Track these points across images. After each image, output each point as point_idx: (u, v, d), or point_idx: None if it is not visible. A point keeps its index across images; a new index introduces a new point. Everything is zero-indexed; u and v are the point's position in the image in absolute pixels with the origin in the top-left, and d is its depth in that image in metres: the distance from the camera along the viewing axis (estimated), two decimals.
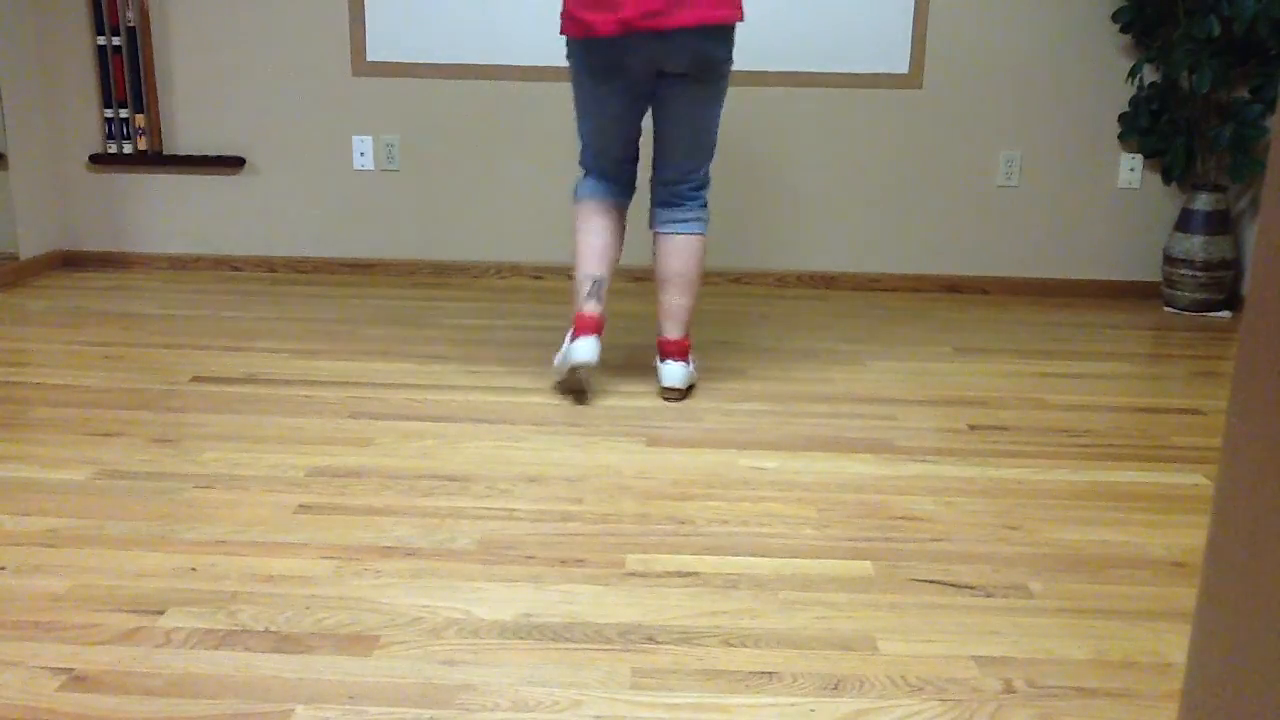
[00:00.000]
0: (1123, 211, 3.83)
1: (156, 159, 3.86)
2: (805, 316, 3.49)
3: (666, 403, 2.61)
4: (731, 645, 1.56)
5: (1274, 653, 0.67)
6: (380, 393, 2.63)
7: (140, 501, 2.00)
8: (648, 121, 2.68)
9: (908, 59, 3.71)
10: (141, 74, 3.79)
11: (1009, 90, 3.74)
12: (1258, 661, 0.69)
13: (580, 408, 2.55)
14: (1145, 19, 3.56)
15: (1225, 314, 3.62)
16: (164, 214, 3.94)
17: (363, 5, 3.72)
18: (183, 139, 3.87)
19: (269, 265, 3.95)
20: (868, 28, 3.68)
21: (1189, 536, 1.96)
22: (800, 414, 2.55)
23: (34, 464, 2.16)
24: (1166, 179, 3.76)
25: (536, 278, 3.92)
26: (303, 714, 1.38)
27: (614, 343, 3.11)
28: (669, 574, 1.77)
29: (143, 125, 3.83)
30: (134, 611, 1.61)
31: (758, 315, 3.49)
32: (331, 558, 1.80)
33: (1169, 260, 3.66)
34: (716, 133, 2.60)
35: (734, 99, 3.76)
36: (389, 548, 1.84)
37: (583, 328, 2.55)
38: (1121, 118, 3.71)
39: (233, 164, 3.87)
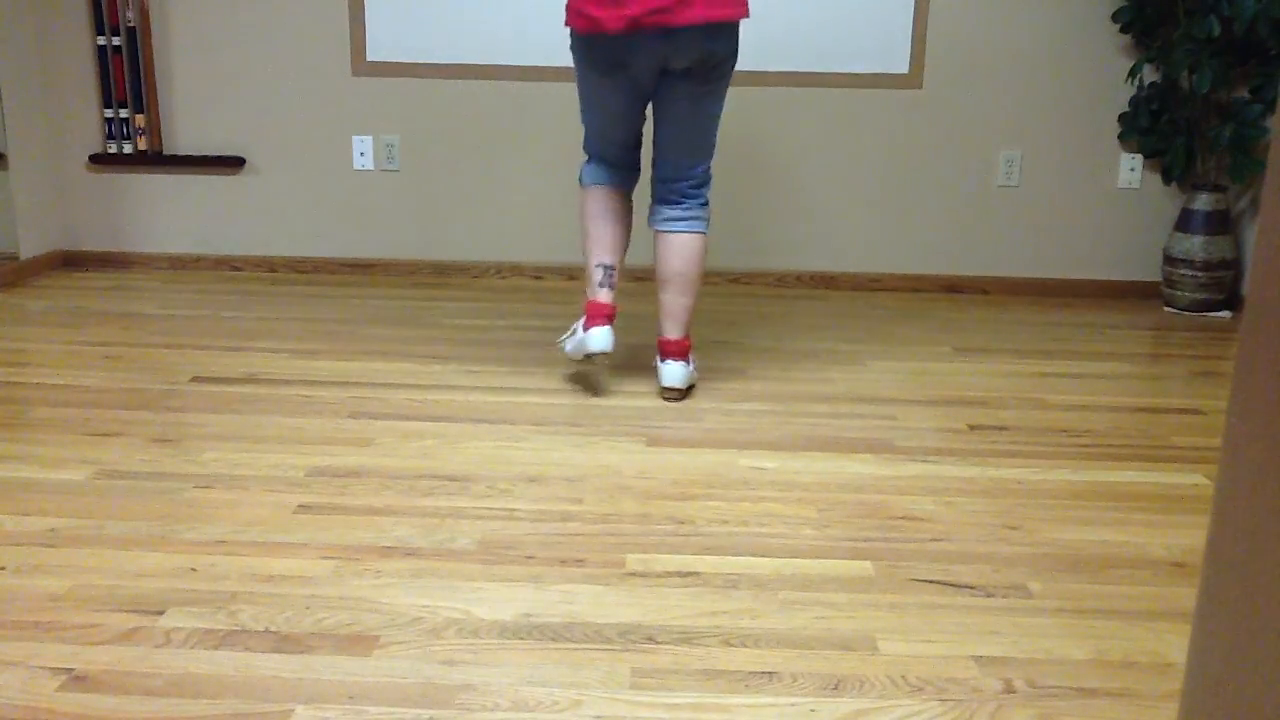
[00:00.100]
0: (1123, 211, 3.83)
1: (156, 159, 3.86)
2: (805, 316, 3.49)
3: (666, 403, 2.61)
4: (731, 645, 1.56)
5: (1274, 653, 0.67)
6: (380, 393, 2.63)
7: (140, 501, 2.00)
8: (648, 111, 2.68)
9: (908, 59, 3.71)
10: (141, 74, 3.79)
11: (1009, 90, 3.74)
12: (1258, 661, 0.69)
13: (580, 408, 2.55)
14: (1145, 19, 3.56)
15: (1225, 314, 3.62)
16: (164, 214, 3.94)
17: (363, 5, 3.72)
18: (183, 139, 3.87)
19: (269, 265, 3.95)
20: (868, 28, 3.68)
21: (1189, 536, 1.96)
22: (800, 414, 2.55)
23: (34, 464, 2.16)
24: (1166, 179, 3.76)
25: (536, 278, 3.92)
26: (303, 714, 1.38)
27: (615, 342, 3.11)
28: (669, 574, 1.77)
29: (143, 125, 3.83)
30: (134, 611, 1.61)
31: (758, 315, 3.49)
32: (331, 558, 1.80)
33: (1169, 260, 3.66)
34: (717, 130, 2.60)
35: (734, 99, 3.76)
36: (389, 548, 1.84)
37: (596, 316, 2.59)
38: (1121, 118, 3.71)
39: (233, 164, 3.87)
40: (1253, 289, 0.71)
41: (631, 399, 2.62)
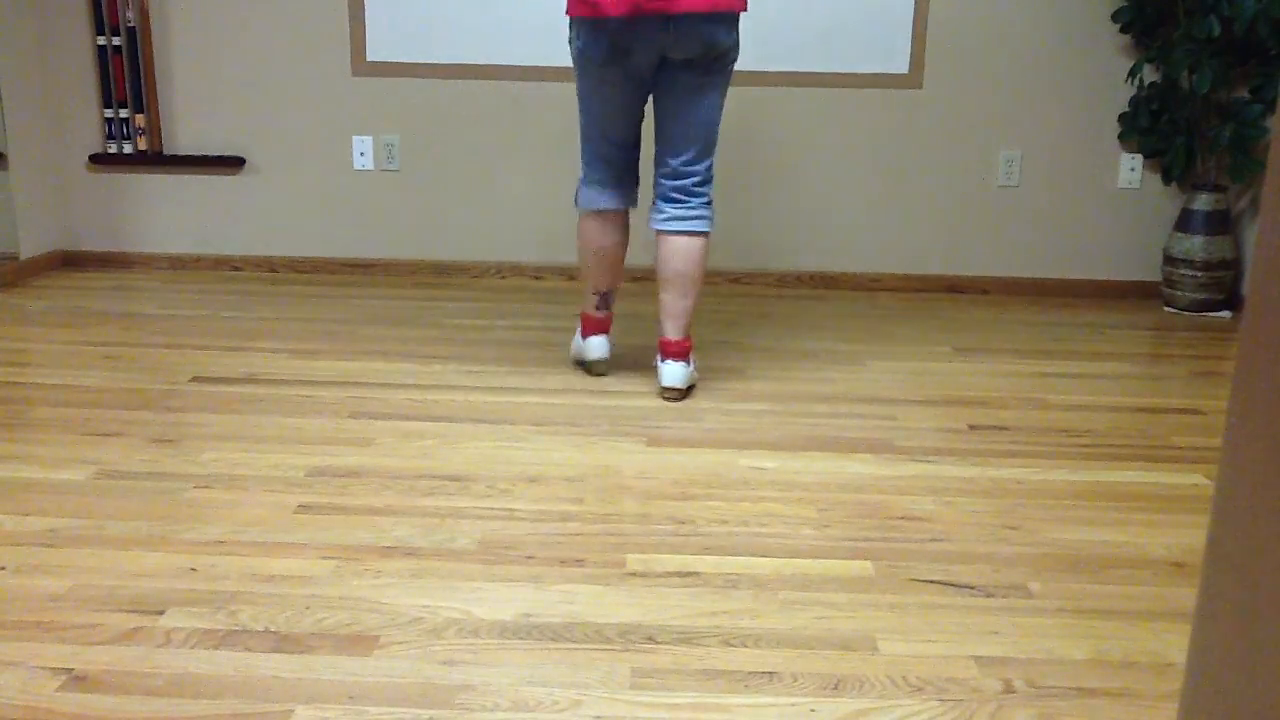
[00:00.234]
0: (1122, 211, 3.83)
1: (156, 159, 3.86)
2: (805, 316, 3.49)
3: (666, 403, 2.60)
4: (731, 645, 1.56)
5: (1274, 653, 0.67)
6: (380, 393, 2.63)
7: (140, 501, 2.00)
8: (648, 110, 2.68)
9: (908, 59, 3.71)
10: (141, 74, 3.79)
11: (1009, 90, 3.74)
12: (1258, 661, 0.69)
13: (580, 408, 2.55)
14: (1145, 19, 3.56)
15: (1225, 314, 3.62)
16: (164, 214, 3.94)
17: (363, 5, 3.72)
18: (183, 139, 3.87)
19: (269, 265, 3.95)
20: (868, 28, 3.68)
21: (1189, 536, 1.96)
22: (800, 414, 2.55)
23: (34, 464, 2.16)
24: (1166, 179, 3.76)
25: (536, 278, 3.92)
26: (303, 714, 1.38)
27: (615, 343, 3.11)
28: (669, 574, 1.77)
29: (143, 125, 3.83)
30: (134, 611, 1.61)
31: (758, 315, 3.49)
32: (331, 558, 1.80)
33: (1169, 260, 3.66)
34: (718, 125, 2.59)
35: (734, 99, 3.76)
36: (389, 548, 1.84)
37: (591, 328, 2.74)
38: (1121, 118, 3.71)
39: (233, 164, 3.87)
40: (1253, 289, 0.71)
41: (632, 399, 2.63)
